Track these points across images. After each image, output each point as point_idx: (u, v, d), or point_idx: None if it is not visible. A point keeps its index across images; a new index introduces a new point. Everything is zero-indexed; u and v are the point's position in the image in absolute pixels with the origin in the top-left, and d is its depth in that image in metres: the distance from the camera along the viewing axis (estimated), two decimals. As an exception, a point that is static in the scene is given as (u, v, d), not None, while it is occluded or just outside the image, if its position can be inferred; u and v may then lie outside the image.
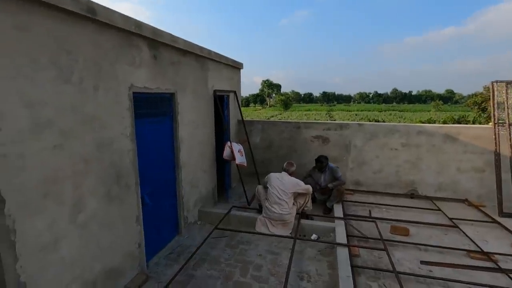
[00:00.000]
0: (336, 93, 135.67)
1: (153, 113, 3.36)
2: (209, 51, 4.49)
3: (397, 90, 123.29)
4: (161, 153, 3.57)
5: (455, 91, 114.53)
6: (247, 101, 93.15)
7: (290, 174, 4.28)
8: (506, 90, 5.03)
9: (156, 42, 3.20)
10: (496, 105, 5.14)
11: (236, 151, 4.96)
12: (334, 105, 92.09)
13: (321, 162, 5.03)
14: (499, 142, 5.01)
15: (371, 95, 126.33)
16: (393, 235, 4.07)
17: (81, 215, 2.30)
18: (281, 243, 3.83)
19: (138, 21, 2.81)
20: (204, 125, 4.62)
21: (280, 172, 4.38)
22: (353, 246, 3.61)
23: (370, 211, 4.88)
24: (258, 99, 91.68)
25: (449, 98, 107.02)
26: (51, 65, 2.02)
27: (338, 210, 4.63)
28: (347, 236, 3.83)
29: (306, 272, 3.21)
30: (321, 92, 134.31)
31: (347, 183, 5.78)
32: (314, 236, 3.96)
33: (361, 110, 65.16)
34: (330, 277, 3.12)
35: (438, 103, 65.43)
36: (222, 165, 5.44)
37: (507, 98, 5.01)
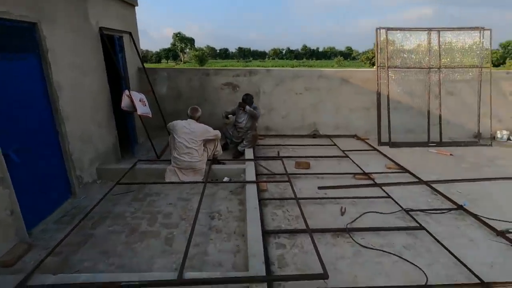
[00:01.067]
0: (252, 49, 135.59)
1: (5, 47, 2.57)
2: (84, -26, 3.61)
3: (306, 47, 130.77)
4: (29, 100, 2.86)
5: (353, 48, 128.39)
6: (158, 57, 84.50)
7: (197, 120, 4.07)
8: (386, 36, 5.74)
9: None
10: (379, 50, 5.85)
11: (137, 100, 4.43)
12: (250, 61, 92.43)
13: (245, 101, 5.00)
14: (380, 83, 5.82)
15: (284, 51, 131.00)
16: (297, 169, 4.47)
17: None
18: (193, 189, 3.76)
19: None
20: (92, 70, 3.90)
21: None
22: (261, 182, 3.81)
23: (278, 152, 5.22)
24: (171, 54, 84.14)
25: (348, 54, 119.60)
26: None
27: (249, 153, 4.77)
28: (257, 175, 4.02)
29: (217, 212, 3.26)
30: (237, 48, 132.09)
31: (257, 129, 5.97)
32: (226, 179, 4.02)
33: (275, 66, 67.46)
34: (240, 212, 3.25)
35: (340, 59, 72.69)
36: (123, 118, 4.84)
37: (387, 43, 5.74)
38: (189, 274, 2.08)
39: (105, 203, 3.28)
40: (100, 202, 3.18)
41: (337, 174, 4.24)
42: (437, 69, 5.87)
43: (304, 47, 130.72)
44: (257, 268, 2.14)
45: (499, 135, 6.07)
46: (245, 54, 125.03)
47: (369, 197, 3.55)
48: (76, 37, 3.54)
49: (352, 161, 4.76)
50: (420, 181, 4.03)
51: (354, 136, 6.20)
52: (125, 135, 4.92)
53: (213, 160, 4.29)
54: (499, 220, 3.08)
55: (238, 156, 4.88)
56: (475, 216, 3.12)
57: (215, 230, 2.91)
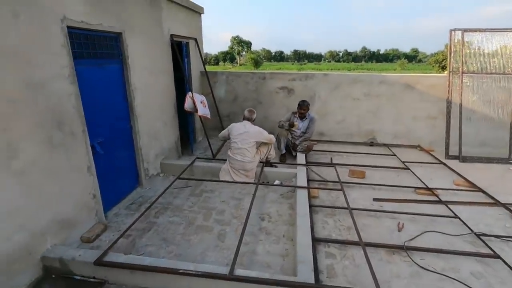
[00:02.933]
0: (307, 52, 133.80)
1: (98, 54, 3.01)
2: (161, -13, 4.01)
3: (366, 49, 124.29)
4: (113, 100, 3.29)
5: (420, 50, 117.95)
6: (216, 60, 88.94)
7: (252, 122, 4.22)
8: (462, 38, 5.17)
9: (92, -32, 2.74)
10: (452, 54, 5.31)
11: (199, 102, 4.75)
12: (305, 64, 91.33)
13: (304, 110, 4.84)
14: (452, 90, 5.27)
15: (341, 54, 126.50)
16: (351, 178, 4.30)
17: (16, 161, 2.09)
18: (244, 189, 3.90)
19: None
20: (162, 73, 4.30)
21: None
22: (312, 188, 3.77)
23: (331, 158, 5.08)
24: (228, 57, 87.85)
25: (414, 57, 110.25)
26: None
27: (301, 158, 4.75)
28: (308, 180, 3.98)
29: (267, 214, 3.33)
30: (292, 51, 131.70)
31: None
32: (277, 182, 4.07)
33: (331, 69, 65.49)
34: (289, 216, 3.26)
35: (403, 62, 67.41)
36: (185, 118, 5.24)
37: (462, 46, 5.17)
38: (239, 271, 2.17)
39: (166, 195, 3.60)
40: (163, 194, 3.49)
41: (396, 187, 3.97)
42: (525, 75, 5.09)
43: (364, 49, 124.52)
44: (306, 274, 2.14)
45: None
46: (300, 56, 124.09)
47: (432, 215, 3.25)
48: (150, 44, 3.95)
49: (413, 173, 4.40)
50: (496, 203, 3.55)
51: (416, 147, 5.72)
52: (185, 134, 5.31)
53: (266, 162, 4.38)
54: None
55: (285, 160, 4.88)
56: None
57: (265, 232, 2.98)
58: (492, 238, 2.87)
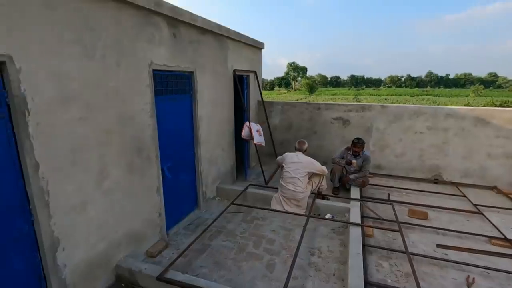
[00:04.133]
0: (365, 77, 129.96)
1: (172, 91, 3.48)
2: (228, 30, 4.50)
3: (432, 73, 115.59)
4: (181, 130, 3.72)
5: (499, 74, 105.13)
6: (272, 85, 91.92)
7: (304, 152, 4.31)
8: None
9: (175, 21, 3.27)
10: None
11: (255, 131, 5.02)
12: (363, 89, 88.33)
13: (359, 148, 4.71)
14: (537, 126, 4.63)
15: (403, 79, 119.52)
16: (410, 218, 4.00)
17: (106, 182, 2.52)
18: (295, 220, 3.92)
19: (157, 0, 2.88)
20: (223, 104, 4.71)
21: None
22: (367, 226, 3.61)
23: (389, 194, 4.80)
24: (283, 82, 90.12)
25: (492, 82, 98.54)
26: (76, 41, 2.16)
27: (355, 192, 4.60)
28: (362, 217, 3.83)
29: (317, 248, 3.28)
30: (349, 76, 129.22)
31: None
32: (328, 215, 4.00)
33: (391, 95, 62.07)
34: (341, 254, 3.17)
35: (478, 88, 60.61)
36: (241, 145, 5.56)
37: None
38: (287, 306, 2.19)
39: (221, 219, 3.81)
40: (218, 218, 3.72)
41: (465, 234, 3.56)
42: None
43: (429, 73, 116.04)
44: (357, 321, 2.06)
45: None
46: (357, 81, 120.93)
47: (510, 272, 2.83)
48: (216, 78, 4.40)
49: (488, 220, 3.90)
50: None
51: (493, 189, 5.06)
52: (240, 159, 5.61)
53: (318, 193, 4.36)
54: None
55: (337, 192, 4.77)
56: None
57: (314, 268, 2.94)
58: None
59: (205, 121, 4.14)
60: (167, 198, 3.40)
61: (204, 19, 3.77)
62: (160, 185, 3.24)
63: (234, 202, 4.16)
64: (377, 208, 4.26)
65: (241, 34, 5.01)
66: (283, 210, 4.07)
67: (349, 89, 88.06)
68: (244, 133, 4.99)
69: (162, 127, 3.24)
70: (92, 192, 2.40)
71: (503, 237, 3.46)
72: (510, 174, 5.04)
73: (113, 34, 2.48)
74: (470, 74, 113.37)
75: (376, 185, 5.19)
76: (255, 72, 5.97)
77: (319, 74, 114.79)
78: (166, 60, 3.19)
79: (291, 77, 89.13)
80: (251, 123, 5.07)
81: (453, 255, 3.17)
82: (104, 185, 2.51)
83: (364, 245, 3.15)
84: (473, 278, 2.77)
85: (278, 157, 4.51)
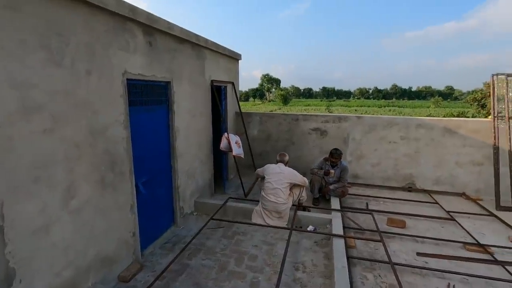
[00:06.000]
0: (336, 89, 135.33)
1: (148, 101, 3.30)
2: (206, 40, 4.41)
3: (396, 86, 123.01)
4: (157, 142, 3.52)
5: (455, 88, 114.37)
6: (246, 96, 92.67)
7: (285, 164, 4.29)
8: (507, 83, 4.99)
9: (151, 29, 3.13)
10: (496, 99, 5.10)
11: (233, 142, 4.92)
12: (334, 101, 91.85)
13: (336, 158, 4.76)
14: (498, 136, 4.98)
15: (370, 91, 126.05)
16: (389, 227, 4.06)
17: (74, 200, 2.27)
18: (277, 234, 3.81)
19: (133, 6, 2.74)
20: (201, 115, 4.57)
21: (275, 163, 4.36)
22: (349, 237, 3.59)
23: (367, 203, 4.87)
24: (258, 93, 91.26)
25: (449, 94, 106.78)
26: (40, 47, 1.96)
27: (335, 203, 4.60)
28: (344, 227, 3.81)
29: (301, 263, 3.19)
30: (321, 87, 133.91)
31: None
32: (310, 228, 3.95)
33: (360, 106, 65.13)
34: (325, 268, 3.10)
35: (438, 100, 65.42)
36: (219, 156, 5.41)
37: (507, 91, 4.97)
38: (275, 329, 2.06)
39: (199, 236, 3.61)
40: (196, 235, 3.52)
41: (441, 241, 3.66)
42: None
43: (394, 86, 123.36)
44: None
45: None
46: (329, 93, 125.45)
47: (487, 278, 2.91)
48: (193, 89, 4.26)
49: (461, 226, 4.05)
50: None
51: (461, 195, 5.32)
52: (218, 171, 5.44)
53: (298, 205, 4.31)
54: None
55: (318, 203, 4.76)
56: None
57: (300, 284, 2.84)
58: None
59: (183, 133, 3.97)
60: (142, 215, 3.16)
61: (181, 28, 3.66)
62: (134, 202, 3.01)
63: (213, 217, 3.99)
64: (357, 218, 4.28)
65: (218, 45, 4.94)
66: (265, 223, 3.96)
67: (321, 101, 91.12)
68: (223, 144, 4.86)
69: (137, 139, 3.03)
70: (57, 212, 2.15)
71: (476, 242, 3.60)
72: (477, 181, 5.34)
73: (83, 40, 2.29)
74: (430, 87, 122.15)
75: (355, 194, 5.26)
76: (233, 83, 5.91)
77: (292, 86, 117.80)
78: (141, 69, 3.02)
79: (266, 88, 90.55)
80: (229, 135, 4.96)
81: (433, 262, 3.22)
82: (72, 204, 2.26)
83: (348, 257, 3.11)
84: (454, 285, 2.82)
85: (258, 169, 4.43)
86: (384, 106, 64.37)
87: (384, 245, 3.36)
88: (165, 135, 3.68)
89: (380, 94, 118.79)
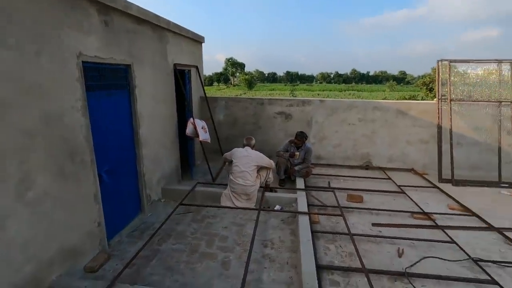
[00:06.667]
0: (299, 73, 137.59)
1: (108, 86, 3.13)
2: (168, 22, 4.24)
3: (355, 71, 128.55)
4: (119, 129, 3.38)
5: (407, 72, 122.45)
6: (210, 80, 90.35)
7: (252, 147, 4.39)
8: (449, 68, 5.51)
9: (106, 7, 2.93)
10: (440, 82, 5.62)
11: (200, 128, 4.87)
12: (298, 85, 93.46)
13: (301, 141, 4.95)
14: (441, 116, 5.54)
15: (332, 75, 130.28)
16: (349, 202, 4.40)
17: (31, 192, 2.14)
18: (246, 215, 3.94)
19: (84, -19, 2.54)
20: (165, 100, 4.44)
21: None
22: (313, 214, 3.84)
23: (329, 182, 5.19)
24: (222, 78, 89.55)
25: (402, 79, 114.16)
26: (-21, 24, 1.77)
27: (300, 183, 4.84)
28: (308, 205, 4.06)
29: (270, 240, 3.37)
30: (285, 72, 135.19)
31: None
32: (277, 207, 4.14)
33: (323, 90, 67.19)
34: (292, 243, 3.31)
35: (392, 84, 69.72)
36: (185, 142, 5.34)
37: (449, 75, 5.50)
38: (247, 301, 2.20)
39: (169, 221, 3.61)
40: (166, 221, 3.51)
41: (393, 211, 4.07)
42: (510, 102, 5.40)
43: (353, 71, 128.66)
44: (313, 304, 2.18)
45: None
46: (292, 78, 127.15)
47: (429, 240, 3.34)
48: (156, 73, 4.11)
49: (410, 198, 4.53)
50: (490, 227, 3.67)
51: (411, 170, 5.89)
52: (185, 157, 5.38)
53: (266, 187, 4.46)
54: None
55: (283, 184, 4.97)
56: (562, 275, 2.75)
57: (269, 259, 3.01)
58: (489, 263, 2.96)
59: (146, 119, 3.84)
60: (107, 204, 3.07)
61: (139, 7, 3.47)
62: (98, 191, 2.91)
63: (182, 203, 3.99)
64: (320, 196, 4.56)
65: (181, 27, 4.77)
66: (234, 206, 4.06)
67: (285, 85, 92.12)
68: (189, 130, 4.80)
69: (98, 126, 2.89)
70: (12, 204, 2.02)
71: (422, 211, 4.06)
72: (424, 158, 5.93)
73: (31, 18, 2.09)
74: (385, 72, 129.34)
75: (318, 174, 5.56)
76: (197, 67, 5.77)
77: (257, 70, 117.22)
78: (98, 52, 2.84)
79: (230, 72, 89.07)
80: (195, 120, 4.90)
81: (386, 231, 3.59)
82: (28, 196, 2.13)
83: (312, 232, 3.35)
84: (402, 249, 3.18)
85: (226, 153, 4.47)
86: (345, 90, 67.17)
87: (344, 218, 3.65)
88: (128, 121, 3.54)
89: (340, 79, 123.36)
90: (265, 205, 4.21)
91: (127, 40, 3.34)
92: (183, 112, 5.19)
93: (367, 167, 6.05)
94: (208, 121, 5.83)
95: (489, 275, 2.74)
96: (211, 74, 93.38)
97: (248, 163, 4.13)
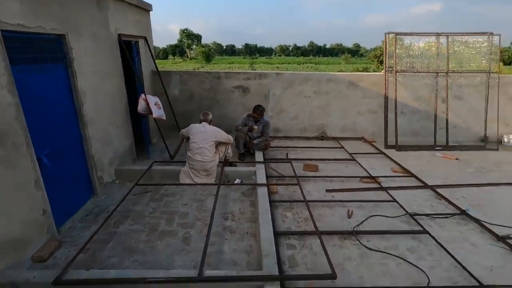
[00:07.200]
0: (258, 46, 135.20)
1: (38, 59, 2.77)
2: (106, -15, 3.79)
3: (313, 43, 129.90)
4: (59, 108, 3.07)
5: (361, 45, 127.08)
6: (165, 53, 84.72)
7: (209, 123, 4.31)
8: (395, 40, 5.82)
9: (26, -35, 2.51)
10: (387, 54, 5.94)
11: (153, 104, 4.62)
12: (257, 58, 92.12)
13: (259, 114, 4.96)
14: (388, 87, 5.92)
15: (290, 48, 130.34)
16: (305, 171, 4.63)
17: (-48, 183, 1.89)
18: (206, 191, 3.95)
19: None
20: (111, 75, 4.10)
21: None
22: (272, 184, 3.98)
23: (287, 153, 5.38)
24: (178, 50, 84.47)
25: (356, 51, 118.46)
26: None
27: (259, 156, 4.94)
28: (267, 177, 4.19)
29: (230, 213, 3.45)
30: (244, 44, 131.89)
31: (267, 131, 6.13)
32: (237, 181, 4.21)
33: (282, 63, 67.22)
34: (252, 214, 3.43)
35: (347, 57, 71.97)
36: (138, 120, 5.05)
37: (395, 48, 5.82)
38: (208, 272, 2.27)
39: (125, 203, 3.48)
40: (121, 203, 3.39)
41: (345, 177, 4.39)
42: (445, 73, 5.94)
43: (311, 43, 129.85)
44: (270, 267, 2.32)
45: (505, 140, 6.13)
46: (251, 50, 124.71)
47: (375, 201, 3.69)
48: (98, 45, 3.73)
49: (359, 164, 4.89)
50: (425, 186, 4.15)
51: (361, 139, 6.32)
52: (139, 136, 5.13)
53: (225, 162, 4.48)
54: (502, 226, 3.20)
55: (243, 158, 5.04)
56: (477, 221, 3.25)
57: (229, 231, 3.10)
58: (423, 216, 3.39)
59: (90, 96, 3.53)
60: (52, 190, 2.84)
61: (70, -33, 3.03)
62: (39, 177, 2.66)
63: (138, 183, 3.85)
64: (278, 167, 4.72)
65: (122, -8, 4.31)
66: (193, 182, 4.04)
67: (244, 58, 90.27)
68: (141, 107, 4.52)
69: (31, 105, 2.59)
70: None
71: (369, 175, 4.43)
72: (372, 126, 6.37)
73: None
74: (341, 45, 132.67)
75: (276, 146, 5.71)
76: (145, 38, 5.35)
77: (214, 42, 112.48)
78: (21, 19, 2.47)
79: (186, 45, 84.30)
80: (147, 96, 4.62)
81: (338, 196, 3.88)
82: (-50, 187, 1.88)
83: (270, 202, 3.49)
84: (352, 210, 3.49)
85: (183, 130, 4.34)
86: (303, 63, 67.96)
87: (300, 187, 3.85)
88: (69, 99, 3.22)
89: (299, 51, 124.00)
90: (225, 180, 4.25)
91: (58, 6, 2.94)
92: (134, 88, 4.86)
93: (322, 137, 6.35)
94: (162, 96, 5.54)
95: (422, 227, 3.14)
96: (165, 46, 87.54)
97: (205, 139, 4.07)
